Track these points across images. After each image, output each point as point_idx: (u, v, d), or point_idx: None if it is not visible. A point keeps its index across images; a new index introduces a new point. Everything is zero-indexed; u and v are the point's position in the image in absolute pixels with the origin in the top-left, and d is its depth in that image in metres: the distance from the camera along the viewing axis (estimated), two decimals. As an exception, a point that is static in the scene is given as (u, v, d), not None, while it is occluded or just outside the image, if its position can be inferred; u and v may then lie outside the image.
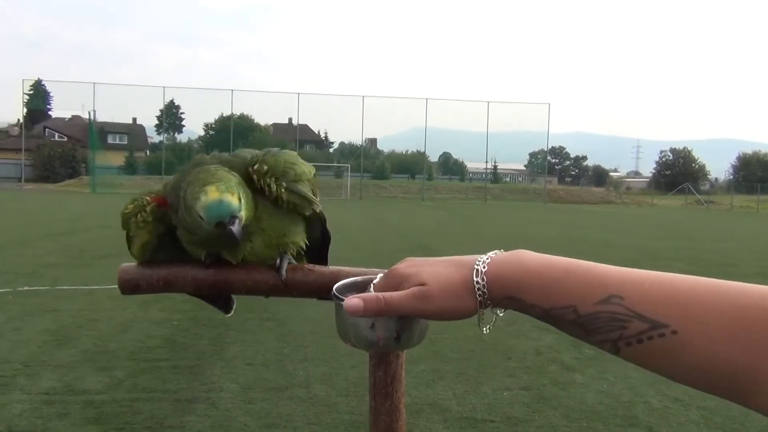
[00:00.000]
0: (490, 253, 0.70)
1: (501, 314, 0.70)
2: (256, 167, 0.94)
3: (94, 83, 50.67)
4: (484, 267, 0.67)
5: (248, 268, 0.92)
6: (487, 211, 34.54)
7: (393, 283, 0.72)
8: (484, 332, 0.71)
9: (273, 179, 0.94)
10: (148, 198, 0.96)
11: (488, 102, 55.68)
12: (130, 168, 60.33)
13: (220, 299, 1.09)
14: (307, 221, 1.02)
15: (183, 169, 0.97)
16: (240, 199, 0.86)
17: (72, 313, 6.57)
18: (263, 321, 6.34)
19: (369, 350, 0.86)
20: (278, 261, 0.96)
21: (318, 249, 1.06)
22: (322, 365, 5.01)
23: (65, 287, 7.92)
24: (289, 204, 0.96)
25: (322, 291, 0.91)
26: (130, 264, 0.89)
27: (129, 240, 0.97)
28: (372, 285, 0.75)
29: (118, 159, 59.92)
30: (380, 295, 0.70)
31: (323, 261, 1.05)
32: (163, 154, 55.89)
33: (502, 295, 0.67)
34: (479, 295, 0.67)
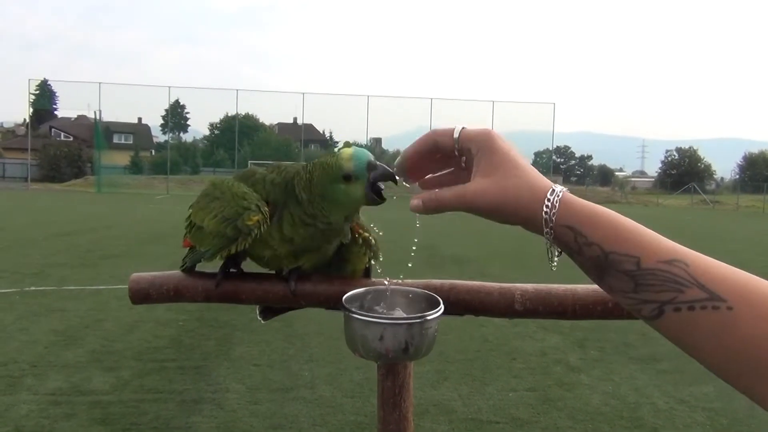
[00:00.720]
0: (559, 186, 0.70)
1: (559, 254, 0.70)
2: (366, 235, 1.04)
3: (99, 83, 50.74)
4: (561, 190, 0.67)
5: (258, 278, 0.93)
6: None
7: (480, 142, 0.71)
8: (553, 268, 0.71)
9: (370, 253, 1.05)
10: (266, 208, 0.96)
11: (493, 101, 55.60)
12: (135, 167, 60.40)
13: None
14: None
15: (277, 171, 1.01)
16: None
17: (79, 313, 6.60)
18: (269, 321, 6.34)
19: (378, 362, 0.87)
20: (287, 271, 0.98)
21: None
22: (327, 366, 5.02)
23: (72, 287, 7.95)
24: (346, 271, 1.04)
25: (331, 301, 0.92)
26: (140, 274, 0.90)
27: (223, 246, 0.96)
28: (462, 127, 0.74)
29: (123, 159, 60.04)
30: (434, 196, 0.73)
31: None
32: (168, 154, 55.89)
33: (565, 222, 0.66)
34: (545, 212, 0.66)
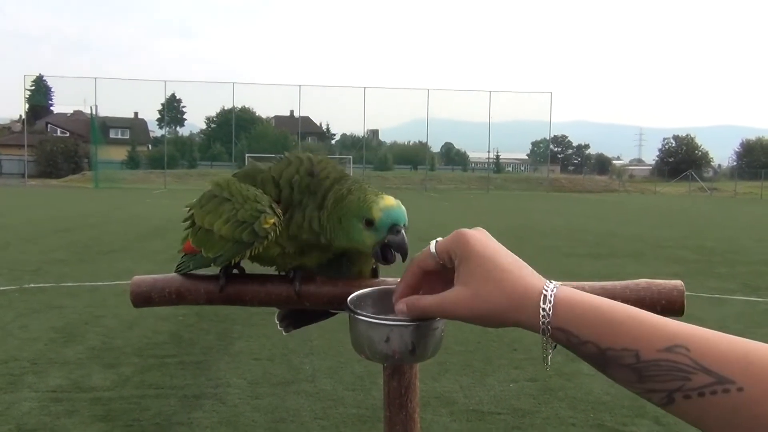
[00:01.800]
0: (552, 282, 0.68)
1: (554, 348, 0.68)
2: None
3: (95, 78, 50.65)
4: (552, 295, 0.65)
5: (261, 279, 0.92)
6: (490, 202, 34.50)
7: (454, 248, 0.71)
8: (547, 368, 0.70)
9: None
10: (278, 209, 0.94)
11: (490, 92, 55.56)
12: (132, 162, 60.32)
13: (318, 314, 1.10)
14: None
15: (303, 166, 0.97)
16: None
17: (78, 309, 6.59)
18: (269, 315, 6.33)
19: (384, 363, 0.86)
20: (292, 273, 0.97)
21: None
22: (328, 359, 5.02)
23: (70, 284, 7.94)
24: (351, 273, 1.02)
25: (335, 302, 0.91)
26: (142, 277, 0.89)
27: (237, 251, 0.94)
28: (435, 241, 0.74)
29: (120, 153, 59.92)
30: (417, 302, 0.72)
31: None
32: (165, 148, 55.86)
33: (556, 325, 0.65)
34: (542, 323, 0.65)
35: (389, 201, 0.87)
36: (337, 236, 0.90)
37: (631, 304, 0.64)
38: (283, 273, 1.01)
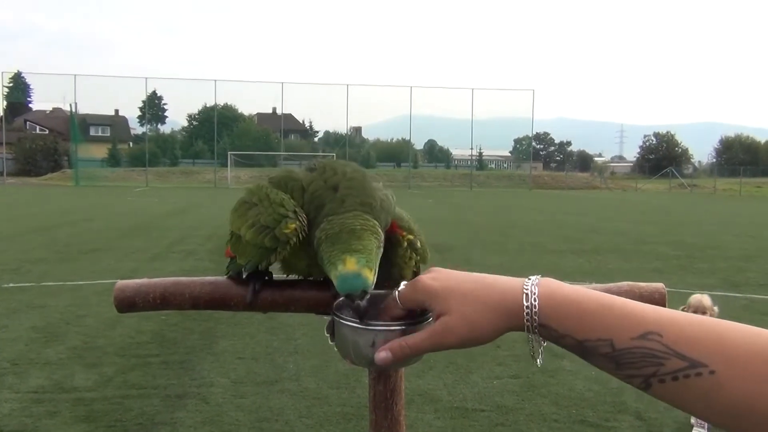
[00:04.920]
0: (529, 278, 0.69)
1: (544, 344, 0.69)
2: (411, 238, 0.98)
3: (75, 75, 50.25)
4: (534, 290, 0.66)
5: (246, 284, 0.92)
6: (473, 199, 34.62)
7: (418, 296, 0.72)
8: (538, 364, 0.71)
9: (416, 260, 0.98)
10: (302, 214, 0.91)
11: (473, 89, 55.76)
12: (113, 160, 59.83)
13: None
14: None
15: (328, 182, 0.93)
16: (374, 274, 0.85)
17: (59, 309, 6.53)
18: (253, 314, 6.33)
19: (370, 368, 0.86)
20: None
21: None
22: (312, 358, 5.02)
23: (51, 283, 7.86)
24: (392, 275, 0.98)
25: (320, 306, 0.91)
26: (126, 282, 0.88)
27: (261, 257, 0.92)
28: (397, 293, 0.74)
29: (100, 151, 59.37)
30: (404, 343, 0.72)
31: None
32: (146, 146, 55.40)
33: (539, 321, 0.66)
34: (527, 320, 0.66)
35: (349, 266, 0.83)
36: (315, 268, 0.90)
37: None
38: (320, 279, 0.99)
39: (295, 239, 0.89)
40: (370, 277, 0.83)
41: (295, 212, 0.90)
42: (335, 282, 0.83)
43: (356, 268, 0.82)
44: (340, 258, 0.83)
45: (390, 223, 0.96)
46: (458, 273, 0.72)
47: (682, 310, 3.16)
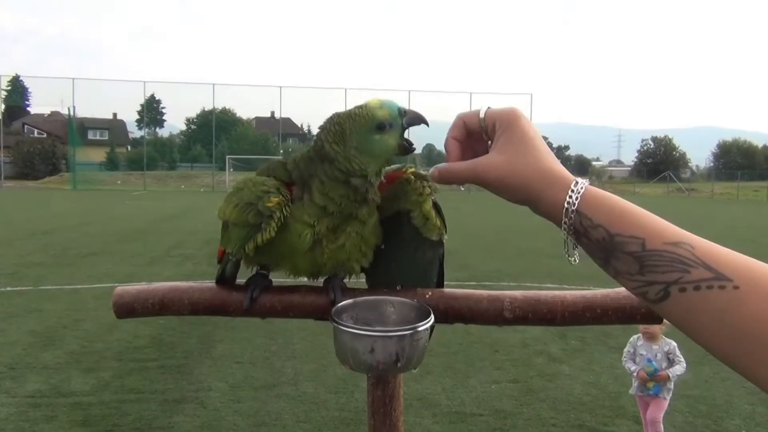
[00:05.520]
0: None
1: (575, 245, 0.69)
2: (411, 169, 1.03)
3: (73, 79, 50.09)
4: (585, 181, 0.68)
5: (246, 290, 0.92)
6: (472, 203, 34.57)
7: (501, 115, 0.73)
8: (573, 262, 0.71)
9: (427, 184, 1.01)
10: (285, 190, 0.94)
11: (471, 93, 55.94)
12: (111, 164, 59.71)
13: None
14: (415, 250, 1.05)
15: (300, 155, 0.99)
16: None
17: (57, 313, 6.51)
18: (251, 318, 6.30)
19: (368, 374, 0.86)
20: (330, 285, 0.97)
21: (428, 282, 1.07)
22: (310, 362, 5.01)
23: (49, 287, 7.84)
24: (418, 221, 1.00)
25: (319, 312, 0.91)
26: (125, 288, 0.88)
27: (248, 236, 0.93)
28: (486, 107, 0.75)
29: (98, 155, 59.29)
30: (448, 167, 0.74)
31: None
32: (144, 149, 55.39)
33: (576, 208, 0.67)
34: (569, 200, 0.67)
35: (377, 100, 0.90)
36: (367, 163, 0.92)
37: (612, 313, 0.66)
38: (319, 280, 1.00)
39: (279, 213, 0.91)
40: None
41: (278, 189, 0.93)
42: (384, 111, 0.90)
43: (381, 97, 0.90)
44: (365, 105, 0.91)
45: (385, 176, 1.00)
46: (539, 133, 0.74)
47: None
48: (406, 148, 0.93)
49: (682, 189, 58.18)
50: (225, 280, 1.03)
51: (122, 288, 0.88)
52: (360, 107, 0.91)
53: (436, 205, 1.03)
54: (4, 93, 65.37)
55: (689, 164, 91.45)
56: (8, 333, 5.75)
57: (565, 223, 0.67)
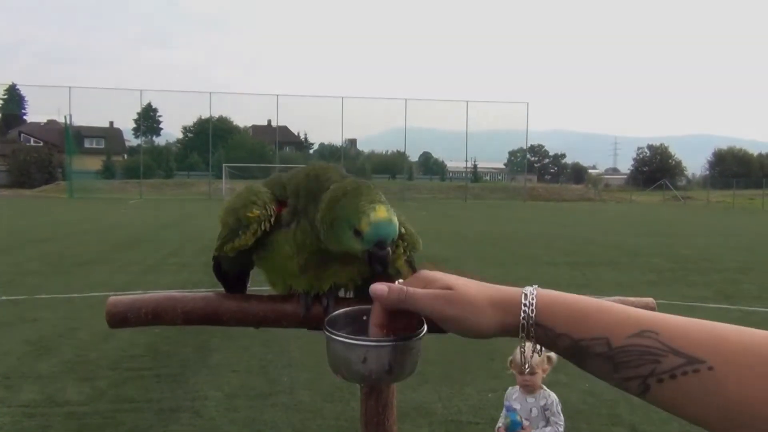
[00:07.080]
0: (531, 287, 0.69)
1: (536, 350, 0.69)
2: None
3: (69, 87, 50.13)
4: (533, 291, 0.67)
5: (239, 299, 0.92)
6: (468, 211, 34.63)
7: (419, 283, 0.72)
8: (526, 369, 0.72)
9: (404, 247, 0.97)
10: (273, 207, 0.93)
11: (467, 101, 55.87)
12: (107, 172, 59.65)
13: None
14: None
15: (309, 173, 0.95)
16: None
17: (52, 322, 6.49)
18: (247, 327, 6.30)
19: (361, 383, 0.86)
20: (326, 299, 0.97)
21: None
22: (306, 371, 4.99)
23: (44, 296, 7.81)
24: (392, 271, 0.96)
25: (312, 322, 0.91)
26: (119, 297, 0.88)
27: (228, 238, 0.94)
28: (398, 281, 0.74)
29: (95, 163, 59.26)
30: (404, 287, 0.71)
31: None
32: (141, 158, 55.33)
33: (535, 321, 0.66)
34: (524, 318, 0.66)
35: (380, 213, 0.84)
36: (328, 239, 0.89)
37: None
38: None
39: (256, 226, 0.91)
40: (397, 227, 0.86)
41: (264, 202, 0.92)
42: (367, 230, 0.84)
43: (388, 215, 0.84)
44: (370, 207, 0.84)
45: None
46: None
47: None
48: (371, 264, 0.86)
49: (678, 197, 58.34)
50: (224, 275, 1.05)
51: (116, 297, 0.88)
52: (366, 194, 0.86)
53: (409, 263, 1.00)
54: (1, 102, 65.42)
55: (685, 172, 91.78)
56: (3, 342, 5.72)
57: (527, 337, 0.66)
